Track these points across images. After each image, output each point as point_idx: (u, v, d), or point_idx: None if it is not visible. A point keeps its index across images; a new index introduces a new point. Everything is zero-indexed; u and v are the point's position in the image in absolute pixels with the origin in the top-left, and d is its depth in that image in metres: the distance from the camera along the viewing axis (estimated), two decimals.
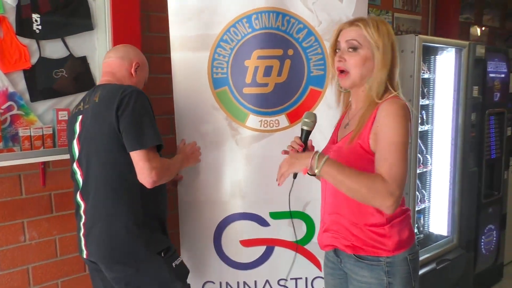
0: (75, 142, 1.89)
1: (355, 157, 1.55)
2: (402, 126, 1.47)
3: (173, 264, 1.93)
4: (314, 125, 1.65)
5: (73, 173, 1.93)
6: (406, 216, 1.64)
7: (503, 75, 3.58)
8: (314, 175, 1.55)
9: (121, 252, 1.82)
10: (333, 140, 1.75)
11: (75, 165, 1.91)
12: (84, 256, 1.91)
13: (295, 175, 1.66)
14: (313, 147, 1.77)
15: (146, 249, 1.84)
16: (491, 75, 3.44)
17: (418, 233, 3.26)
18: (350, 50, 1.57)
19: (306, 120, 1.64)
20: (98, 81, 2.40)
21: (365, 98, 1.61)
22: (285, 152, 1.71)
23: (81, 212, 1.89)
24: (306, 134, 1.65)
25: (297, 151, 1.63)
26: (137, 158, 1.75)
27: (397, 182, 1.42)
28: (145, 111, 1.78)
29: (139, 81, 2.02)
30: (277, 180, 1.59)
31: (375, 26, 1.55)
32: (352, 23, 1.59)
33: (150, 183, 1.76)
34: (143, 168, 1.74)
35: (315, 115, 1.66)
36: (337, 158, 1.56)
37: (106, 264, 1.86)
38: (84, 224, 1.88)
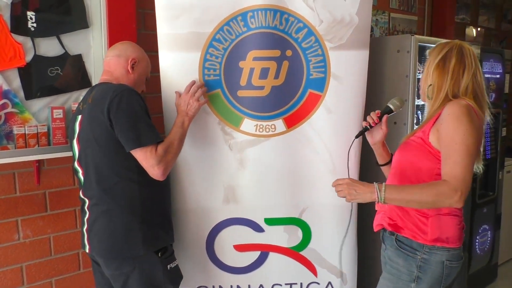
0: (75, 142, 1.92)
1: (414, 145, 1.71)
2: (464, 125, 1.57)
3: (168, 266, 1.94)
4: (398, 109, 1.90)
5: (76, 171, 1.96)
6: (454, 218, 1.70)
7: (498, 76, 3.58)
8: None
9: (119, 248, 1.85)
10: None
11: (76, 164, 1.94)
12: (87, 251, 1.94)
13: (357, 136, 1.96)
14: (386, 123, 1.90)
15: (143, 246, 1.85)
16: (487, 75, 3.43)
17: None
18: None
19: (395, 101, 1.89)
20: (93, 79, 2.40)
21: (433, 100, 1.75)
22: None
23: (86, 207, 1.93)
24: (387, 112, 1.89)
25: (371, 125, 1.89)
26: (138, 157, 1.80)
27: (459, 178, 1.52)
28: (137, 109, 1.79)
29: (138, 77, 2.01)
30: (333, 185, 1.73)
31: (435, 46, 1.78)
32: None
33: (159, 176, 1.82)
34: (147, 167, 1.80)
35: (404, 102, 1.94)
36: (401, 147, 1.79)
37: (105, 260, 1.89)
38: (87, 219, 1.92)
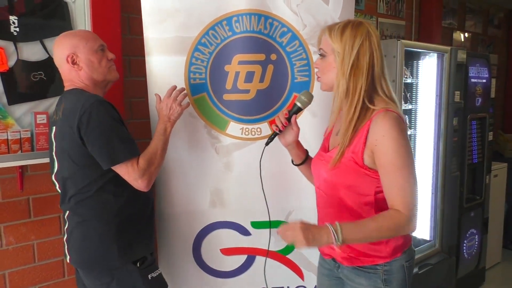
0: (54, 155, 1.87)
1: (348, 171, 1.55)
2: (402, 145, 1.46)
3: (149, 276, 1.88)
4: (307, 105, 1.72)
5: (54, 184, 1.93)
6: None
7: (484, 80, 3.61)
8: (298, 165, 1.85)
9: (95, 260, 1.82)
10: (324, 148, 1.72)
11: (53, 178, 1.91)
12: (68, 261, 1.90)
13: (267, 143, 1.76)
14: (296, 124, 1.73)
15: (119, 257, 1.81)
16: (473, 80, 3.46)
17: None
18: (320, 57, 1.62)
19: (302, 97, 1.70)
20: None
21: (349, 105, 1.55)
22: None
23: (65, 217, 1.89)
24: (296, 111, 1.71)
25: (280, 130, 1.71)
26: (120, 172, 1.75)
27: (411, 206, 1.46)
28: (108, 124, 1.71)
29: (88, 64, 1.82)
30: (278, 233, 1.52)
31: (340, 31, 1.54)
32: (323, 30, 1.60)
33: (143, 188, 1.77)
34: (130, 181, 1.75)
35: (312, 97, 1.72)
36: (330, 169, 1.58)
37: (83, 270, 1.88)
38: (66, 229, 1.88)
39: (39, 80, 2.26)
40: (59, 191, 1.90)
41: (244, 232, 2.26)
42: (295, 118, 1.72)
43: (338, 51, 1.53)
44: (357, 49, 1.51)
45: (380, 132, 1.47)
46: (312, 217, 2.22)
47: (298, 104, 1.71)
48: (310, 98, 1.72)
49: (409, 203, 1.45)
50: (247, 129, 2.17)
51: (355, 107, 1.52)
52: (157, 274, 1.92)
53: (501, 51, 5.99)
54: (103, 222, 1.81)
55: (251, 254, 2.28)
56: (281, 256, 2.29)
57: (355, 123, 1.52)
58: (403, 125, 1.49)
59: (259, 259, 2.28)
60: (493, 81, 3.79)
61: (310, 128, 2.15)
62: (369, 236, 1.50)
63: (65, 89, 1.89)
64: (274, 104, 2.16)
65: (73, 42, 1.81)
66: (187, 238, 2.24)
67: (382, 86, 1.55)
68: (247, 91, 2.13)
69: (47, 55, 2.27)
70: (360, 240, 1.52)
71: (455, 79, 3.20)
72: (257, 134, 2.17)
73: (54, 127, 1.85)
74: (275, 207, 2.23)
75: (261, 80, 2.12)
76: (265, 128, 2.17)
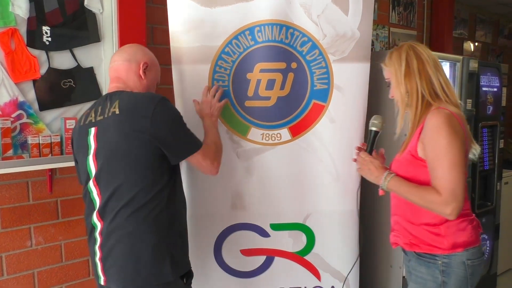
0: (90, 158, 1.71)
1: (406, 163, 1.77)
2: (445, 137, 1.63)
3: None
4: (382, 126, 1.93)
5: (88, 193, 1.74)
6: (466, 220, 1.74)
7: (495, 89, 3.66)
8: None
9: (146, 274, 1.66)
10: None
11: (91, 184, 1.72)
12: (102, 283, 1.74)
13: (370, 151, 1.94)
14: (382, 156, 1.97)
15: (172, 271, 1.68)
16: (484, 88, 3.51)
17: None
18: (388, 86, 1.89)
19: (375, 121, 1.93)
20: (104, 91, 2.45)
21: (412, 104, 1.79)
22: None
23: (96, 234, 1.72)
24: (374, 135, 1.93)
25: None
26: (197, 161, 1.81)
27: (449, 192, 1.60)
28: (180, 117, 1.76)
29: (150, 83, 1.87)
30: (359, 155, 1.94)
31: (388, 57, 1.84)
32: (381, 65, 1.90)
33: (216, 170, 1.89)
34: (207, 166, 1.84)
35: (382, 118, 1.94)
36: (396, 164, 1.84)
37: None
38: (100, 246, 1.70)
39: (68, 87, 2.37)
40: (96, 199, 1.71)
41: (263, 233, 2.33)
42: (381, 152, 1.97)
43: (391, 71, 1.82)
44: (404, 60, 1.77)
45: (428, 126, 1.67)
46: (328, 220, 2.31)
47: (374, 128, 1.92)
48: (381, 118, 1.94)
49: (446, 188, 1.60)
50: (267, 135, 2.25)
51: (417, 104, 1.74)
52: None
53: (511, 60, 6.04)
54: (156, 233, 1.68)
55: (270, 255, 2.36)
56: (299, 257, 2.36)
57: (419, 118, 1.74)
58: (453, 120, 1.66)
59: (278, 260, 2.36)
60: (504, 89, 3.84)
61: (329, 133, 2.24)
62: (405, 196, 1.74)
63: (110, 90, 1.81)
64: (294, 110, 2.24)
65: (154, 59, 1.92)
66: (209, 239, 2.32)
67: (441, 83, 1.76)
68: (268, 98, 2.21)
69: (76, 64, 2.38)
70: (399, 194, 1.77)
71: (467, 88, 3.26)
72: (277, 139, 2.25)
73: (93, 129, 1.71)
74: (293, 209, 2.32)
75: (282, 87, 2.20)
76: (285, 134, 2.25)
